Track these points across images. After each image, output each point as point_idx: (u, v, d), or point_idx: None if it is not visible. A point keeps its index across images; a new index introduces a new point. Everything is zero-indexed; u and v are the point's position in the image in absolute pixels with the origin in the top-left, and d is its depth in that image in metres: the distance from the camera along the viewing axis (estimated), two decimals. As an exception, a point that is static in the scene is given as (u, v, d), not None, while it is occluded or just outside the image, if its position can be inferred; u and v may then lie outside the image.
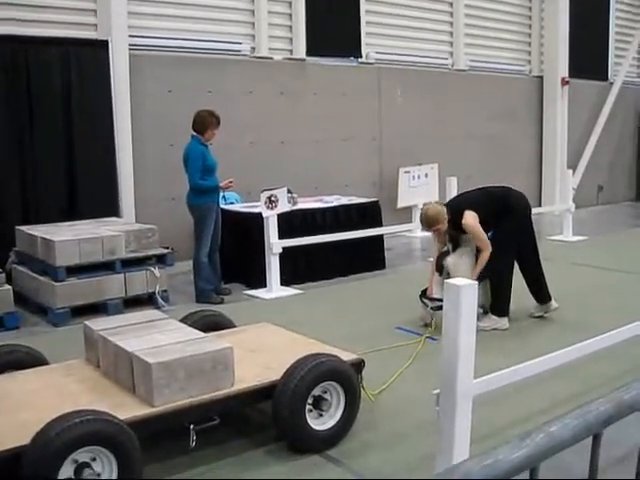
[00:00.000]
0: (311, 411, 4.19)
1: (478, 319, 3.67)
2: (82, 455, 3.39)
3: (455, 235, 6.89)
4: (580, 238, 12.09)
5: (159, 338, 4.27)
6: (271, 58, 11.59)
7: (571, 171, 12.79)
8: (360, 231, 9.37)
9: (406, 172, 12.96)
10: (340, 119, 12.35)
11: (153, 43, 10.25)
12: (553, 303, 7.13)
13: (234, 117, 10.19)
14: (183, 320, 5.09)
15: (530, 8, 15.79)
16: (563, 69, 15.79)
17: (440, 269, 6.77)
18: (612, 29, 17.26)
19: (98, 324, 4.70)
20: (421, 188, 13.06)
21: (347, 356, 4.58)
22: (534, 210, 7.66)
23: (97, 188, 9.38)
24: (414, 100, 13.39)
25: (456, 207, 6.77)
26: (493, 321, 6.74)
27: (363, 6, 12.59)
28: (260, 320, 5.75)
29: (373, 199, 10.44)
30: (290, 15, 11.78)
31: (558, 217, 12.87)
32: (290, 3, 11.73)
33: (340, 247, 9.24)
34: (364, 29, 12.69)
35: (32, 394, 4.13)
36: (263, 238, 8.40)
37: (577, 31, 15.85)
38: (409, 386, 5.18)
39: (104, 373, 4.42)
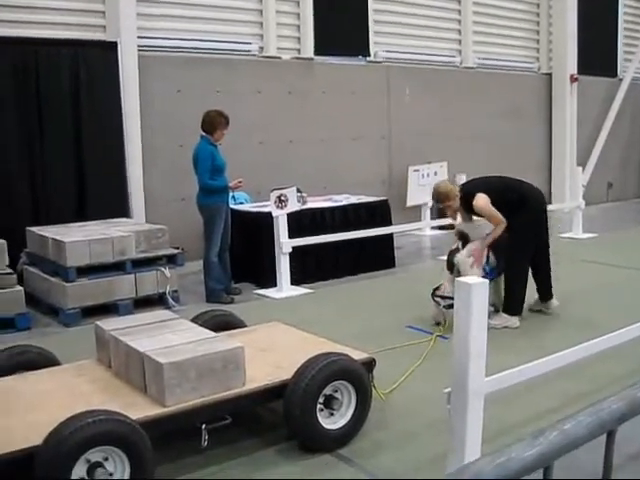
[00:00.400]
0: (322, 410, 4.19)
1: (489, 317, 3.65)
2: (95, 455, 3.40)
3: (465, 232, 6.89)
4: (590, 235, 12.05)
5: (170, 338, 4.28)
6: (279, 57, 11.59)
7: (581, 168, 12.77)
8: (370, 230, 9.36)
9: (415, 170, 12.94)
10: (349, 118, 12.34)
11: (162, 44, 10.27)
12: (554, 301, 7.12)
13: (243, 117, 10.19)
14: (194, 320, 5.10)
15: (538, 5, 15.75)
16: (572, 66, 15.73)
17: (451, 267, 6.75)
18: (621, 25, 17.18)
19: (109, 324, 4.71)
20: (430, 186, 12.98)
21: (358, 355, 4.57)
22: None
23: (107, 189, 9.40)
24: (423, 98, 13.37)
25: (469, 189, 6.78)
26: (504, 319, 6.71)
27: (371, 5, 12.58)
28: (270, 319, 5.75)
29: (382, 198, 10.43)
30: (298, 14, 11.78)
31: (568, 214, 12.82)
32: (298, 2, 11.73)
33: (350, 246, 9.24)
34: (372, 28, 12.68)
35: (44, 394, 4.15)
36: (273, 238, 8.40)
37: (585, 27, 15.78)
38: (420, 385, 5.17)
39: (115, 373, 4.43)
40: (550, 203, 14.65)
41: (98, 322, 4.80)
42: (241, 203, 9.98)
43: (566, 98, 15.79)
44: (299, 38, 11.87)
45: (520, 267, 6.79)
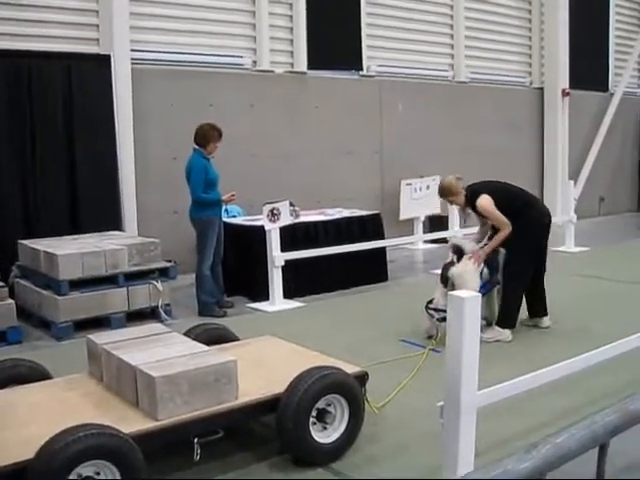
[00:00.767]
0: (315, 424, 4.17)
1: (481, 331, 3.66)
2: (86, 469, 3.38)
3: (459, 246, 6.90)
4: (582, 249, 12.07)
5: (162, 352, 4.27)
6: (272, 71, 11.63)
7: (572, 182, 12.82)
8: (362, 243, 9.37)
9: (408, 184, 12.97)
10: (342, 132, 12.38)
11: (155, 57, 10.31)
12: (546, 320, 7.12)
13: (236, 130, 10.19)
14: (186, 334, 5.08)
15: (530, 20, 15.85)
16: (564, 80, 15.83)
17: (445, 280, 6.74)
18: (612, 40, 17.31)
19: (101, 338, 4.69)
20: (423, 200, 13.06)
21: (351, 369, 4.57)
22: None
23: (99, 202, 9.39)
24: (415, 112, 13.42)
25: (475, 189, 6.86)
26: (497, 332, 6.70)
27: (364, 19, 12.65)
28: (263, 333, 5.74)
29: (375, 211, 10.43)
30: (291, 29, 11.84)
31: (560, 228, 12.83)
32: (291, 17, 11.78)
33: (342, 260, 9.23)
34: (365, 42, 12.74)
35: (36, 408, 4.12)
36: (265, 251, 8.40)
37: (577, 42, 15.90)
38: (413, 398, 5.16)
39: (107, 387, 4.41)
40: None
41: (90, 335, 4.78)
42: (234, 216, 9.98)
43: (558, 112, 15.88)
44: (292, 52, 11.91)
45: (520, 278, 6.78)
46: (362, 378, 4.58)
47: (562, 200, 13.20)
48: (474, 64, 14.74)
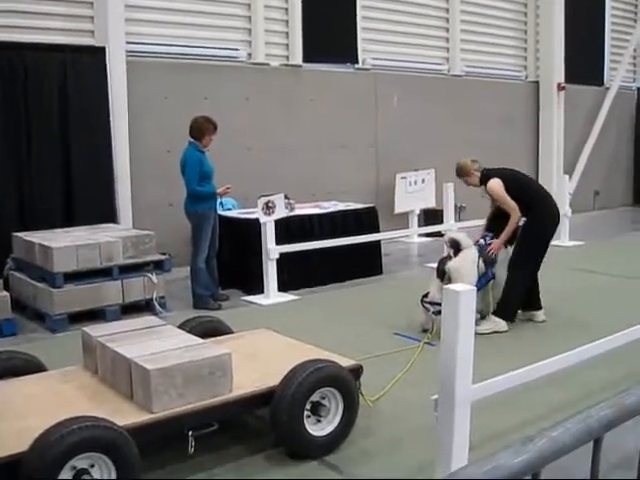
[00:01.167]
0: (309, 417, 4.18)
1: (476, 324, 3.66)
2: (81, 462, 3.38)
3: (456, 240, 6.92)
4: (577, 243, 12.09)
5: (157, 344, 4.26)
6: (268, 64, 11.61)
7: (567, 176, 12.82)
8: (357, 237, 9.37)
9: (403, 178, 12.98)
10: (337, 125, 12.37)
11: (150, 50, 10.28)
12: (540, 314, 7.15)
13: (231, 123, 10.18)
14: (181, 326, 5.08)
15: (525, 13, 15.85)
16: (559, 74, 15.83)
17: (441, 274, 6.75)
18: (608, 34, 17.34)
19: (96, 330, 4.69)
20: (418, 194, 13.08)
21: (345, 362, 4.57)
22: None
23: (94, 194, 9.38)
24: (410, 106, 13.41)
25: (489, 173, 7.00)
26: (493, 323, 6.72)
27: (359, 12, 12.64)
28: (258, 326, 5.74)
29: (370, 205, 10.44)
30: (287, 21, 11.81)
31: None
32: (287, 9, 11.75)
33: (337, 253, 9.23)
34: (360, 35, 12.73)
35: (30, 401, 4.12)
36: (260, 244, 8.39)
37: (573, 36, 15.90)
38: (407, 392, 5.17)
39: (102, 379, 4.41)
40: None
41: (85, 328, 4.78)
42: (229, 209, 9.97)
43: (553, 106, 15.88)
44: (287, 45, 11.89)
45: (525, 273, 6.83)
46: (357, 371, 4.58)
47: (557, 194, 13.19)
48: (469, 57, 14.73)
